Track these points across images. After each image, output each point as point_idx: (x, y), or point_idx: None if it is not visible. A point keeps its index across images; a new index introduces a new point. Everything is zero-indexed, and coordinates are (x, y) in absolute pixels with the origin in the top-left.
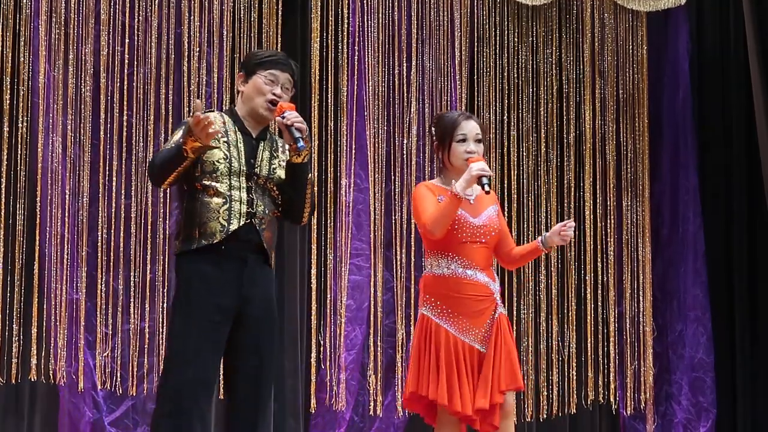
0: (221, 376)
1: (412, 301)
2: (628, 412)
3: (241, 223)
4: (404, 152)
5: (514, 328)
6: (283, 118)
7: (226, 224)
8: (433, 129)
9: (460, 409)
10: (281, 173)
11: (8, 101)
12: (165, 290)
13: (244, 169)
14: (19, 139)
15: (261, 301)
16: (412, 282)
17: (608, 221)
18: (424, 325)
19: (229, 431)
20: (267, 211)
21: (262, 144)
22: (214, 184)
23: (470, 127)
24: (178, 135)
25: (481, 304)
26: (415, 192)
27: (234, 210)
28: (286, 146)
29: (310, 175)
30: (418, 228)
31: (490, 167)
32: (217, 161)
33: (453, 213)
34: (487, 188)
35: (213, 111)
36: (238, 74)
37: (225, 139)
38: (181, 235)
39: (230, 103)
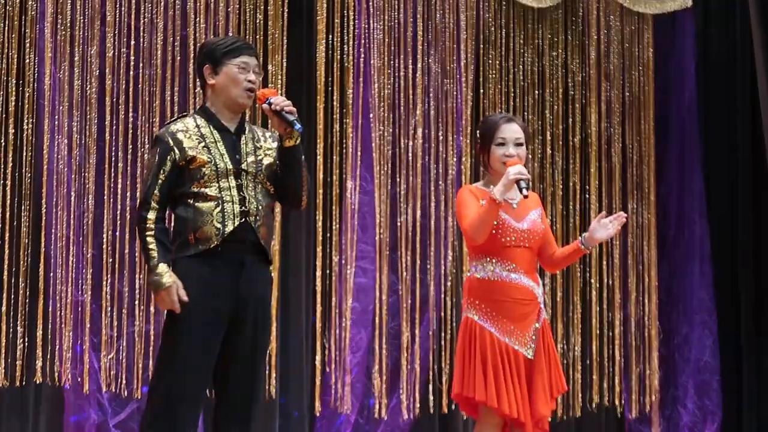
0: None
1: (418, 304)
2: (634, 416)
3: (236, 223)
4: (409, 154)
5: None
6: (270, 104)
7: (221, 227)
8: (477, 132)
9: (508, 411)
10: (268, 162)
11: (14, 103)
12: None
13: (231, 167)
14: (25, 140)
15: (256, 303)
16: (417, 285)
17: None
18: (469, 327)
19: (219, 428)
20: (260, 207)
21: (243, 137)
22: (203, 189)
23: (511, 130)
24: (155, 161)
25: (526, 307)
26: (458, 196)
27: (227, 211)
28: (267, 133)
29: (303, 155)
30: (462, 232)
31: None
32: (203, 167)
33: (492, 218)
34: (525, 192)
35: (186, 115)
36: (205, 68)
37: (203, 143)
38: (177, 241)
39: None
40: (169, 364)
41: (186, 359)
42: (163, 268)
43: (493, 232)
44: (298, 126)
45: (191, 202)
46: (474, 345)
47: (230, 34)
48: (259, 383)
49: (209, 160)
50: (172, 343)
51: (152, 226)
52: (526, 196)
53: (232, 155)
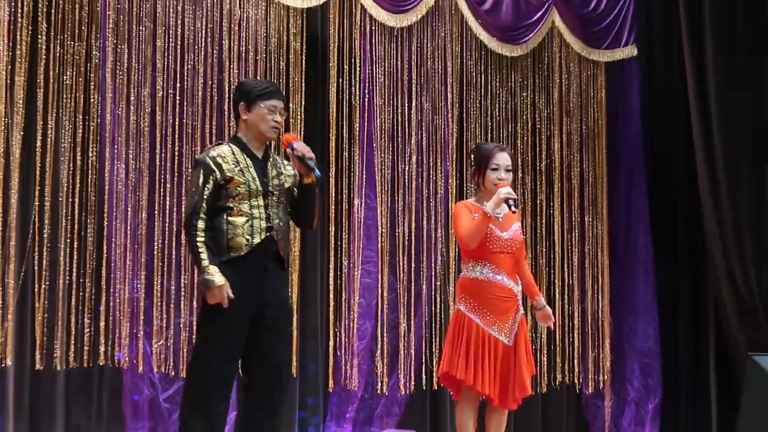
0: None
1: (413, 300)
2: (590, 392)
3: (263, 237)
4: (406, 177)
5: None
6: (293, 149)
7: (250, 239)
8: (472, 156)
9: (480, 389)
10: (288, 184)
11: (81, 135)
12: None
13: (261, 189)
14: (90, 166)
15: (277, 304)
16: (412, 284)
17: (573, 234)
18: (459, 318)
19: (250, 413)
20: (282, 223)
21: (269, 164)
22: (237, 206)
23: (503, 158)
24: (200, 180)
25: (507, 303)
26: (455, 209)
27: (255, 226)
28: (285, 162)
29: (317, 189)
30: (457, 239)
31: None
32: (239, 187)
33: (484, 229)
34: (513, 209)
35: (222, 143)
36: (241, 104)
37: (238, 167)
38: (212, 249)
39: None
40: (203, 351)
41: (217, 347)
42: (214, 269)
43: (483, 240)
44: (317, 173)
45: (226, 216)
46: (462, 333)
47: (258, 78)
48: (284, 376)
49: (244, 181)
50: (206, 333)
51: (202, 233)
52: (514, 212)
53: (261, 178)
